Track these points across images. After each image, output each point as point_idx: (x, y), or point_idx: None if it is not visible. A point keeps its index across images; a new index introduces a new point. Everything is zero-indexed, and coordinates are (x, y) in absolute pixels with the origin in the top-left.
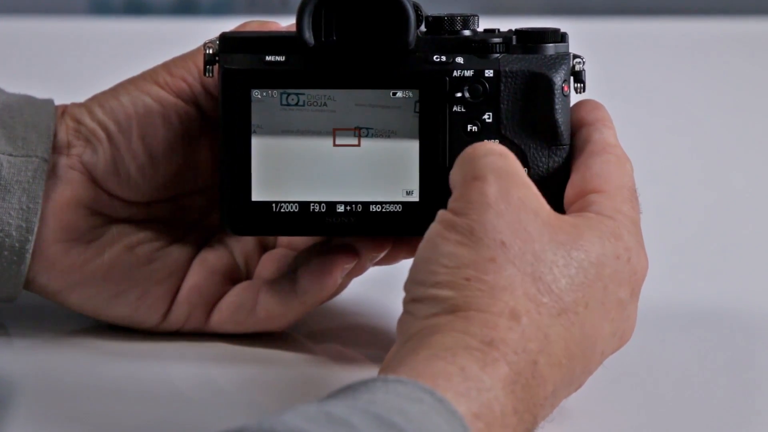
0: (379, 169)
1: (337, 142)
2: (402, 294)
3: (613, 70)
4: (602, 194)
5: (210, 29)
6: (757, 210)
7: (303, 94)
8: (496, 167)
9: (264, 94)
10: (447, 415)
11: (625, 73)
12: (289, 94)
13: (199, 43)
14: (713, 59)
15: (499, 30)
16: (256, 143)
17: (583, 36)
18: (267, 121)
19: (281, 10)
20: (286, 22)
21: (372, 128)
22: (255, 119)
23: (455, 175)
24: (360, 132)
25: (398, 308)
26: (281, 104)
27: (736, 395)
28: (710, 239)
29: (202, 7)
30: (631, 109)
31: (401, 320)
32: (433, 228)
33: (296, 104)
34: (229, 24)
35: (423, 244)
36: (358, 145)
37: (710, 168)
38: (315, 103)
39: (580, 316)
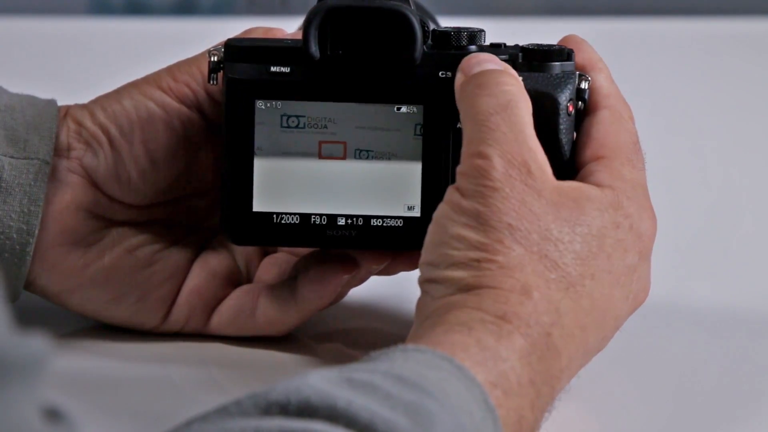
0: (381, 183)
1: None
2: (400, 295)
3: (612, 70)
4: (600, 162)
5: (210, 29)
6: (758, 210)
7: (303, 116)
8: (501, 135)
9: (268, 105)
10: (466, 381)
11: (625, 73)
12: (289, 117)
13: (199, 43)
14: (713, 59)
15: (505, 45)
16: (258, 163)
17: (583, 36)
18: (268, 143)
19: (281, 10)
20: (286, 23)
21: (372, 150)
22: (257, 141)
23: (461, 108)
24: (360, 154)
25: (401, 309)
26: (281, 126)
27: (736, 395)
28: (710, 239)
29: (202, 7)
30: (631, 109)
31: (419, 301)
32: (442, 209)
33: (296, 126)
34: (229, 24)
35: (433, 226)
36: (344, 158)
37: (710, 168)
38: (315, 126)
39: (587, 288)
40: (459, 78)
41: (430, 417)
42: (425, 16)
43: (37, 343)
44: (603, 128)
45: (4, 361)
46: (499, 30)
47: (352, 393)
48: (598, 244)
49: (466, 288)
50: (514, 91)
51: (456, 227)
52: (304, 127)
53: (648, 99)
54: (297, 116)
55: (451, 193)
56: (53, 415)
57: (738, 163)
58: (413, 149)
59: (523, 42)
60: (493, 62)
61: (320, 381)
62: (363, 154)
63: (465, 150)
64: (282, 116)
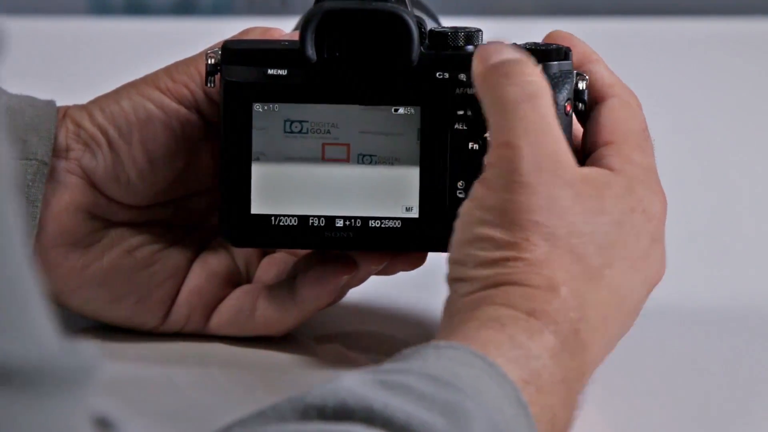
0: (379, 185)
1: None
2: (401, 296)
3: (612, 70)
4: (611, 146)
5: (210, 29)
6: (758, 210)
7: (306, 122)
8: (530, 125)
9: (266, 107)
10: (498, 379)
11: (625, 73)
12: (292, 122)
13: (199, 43)
14: (713, 59)
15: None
16: (256, 166)
17: (583, 36)
18: (270, 149)
19: (281, 10)
20: (286, 23)
21: (375, 155)
22: (257, 147)
23: (485, 97)
24: (363, 159)
25: (403, 311)
26: (284, 131)
27: (739, 394)
28: (710, 240)
29: (202, 7)
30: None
31: (447, 298)
32: (467, 206)
33: (299, 132)
34: (229, 24)
35: (459, 224)
36: (347, 160)
37: (710, 168)
38: (318, 131)
39: (606, 278)
40: (477, 67)
41: (466, 416)
42: (426, 13)
43: (87, 351)
44: (612, 115)
45: (56, 371)
46: (499, 30)
47: (388, 395)
48: (617, 232)
49: (494, 284)
50: (539, 81)
51: (482, 227)
52: (307, 132)
53: (648, 99)
54: (300, 121)
55: (476, 188)
56: (104, 424)
57: (738, 164)
58: (414, 152)
59: (519, 41)
60: (510, 51)
61: (355, 383)
62: (366, 159)
63: (493, 140)
64: (285, 121)
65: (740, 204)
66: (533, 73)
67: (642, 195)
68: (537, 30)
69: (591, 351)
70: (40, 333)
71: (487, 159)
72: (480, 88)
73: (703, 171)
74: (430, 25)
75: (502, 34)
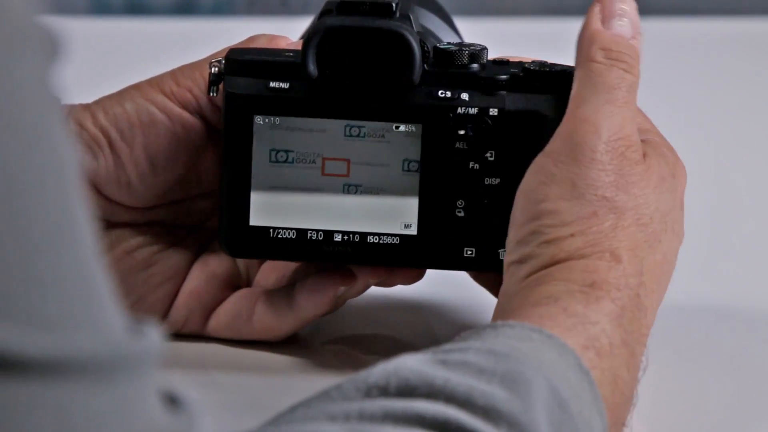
0: (379, 201)
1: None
2: (404, 299)
3: None
4: None
5: (210, 29)
6: (758, 210)
7: (292, 151)
8: (616, 109)
9: (266, 120)
10: (558, 348)
11: None
12: (278, 151)
13: (200, 43)
14: (713, 59)
15: (509, 61)
16: (256, 178)
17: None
18: (258, 176)
19: (281, 10)
20: (286, 23)
21: (361, 185)
22: (255, 156)
23: (584, 62)
24: (350, 189)
25: (406, 313)
26: (270, 161)
27: (738, 392)
28: (710, 240)
29: (202, 7)
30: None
31: (504, 285)
32: (530, 182)
33: (285, 161)
34: (229, 24)
35: (522, 201)
36: (347, 175)
37: (710, 168)
38: (304, 161)
39: (662, 242)
40: (593, 22)
41: (526, 385)
42: (445, 19)
43: (151, 332)
44: None
45: (125, 358)
46: (499, 30)
47: (448, 371)
48: (671, 199)
49: (557, 261)
50: (637, 71)
51: (547, 202)
52: (293, 162)
53: (648, 99)
54: (286, 151)
55: (540, 163)
56: (172, 399)
57: (738, 164)
58: (406, 184)
59: (519, 41)
60: (627, 21)
61: (416, 362)
62: (353, 189)
63: (573, 111)
64: (272, 151)
65: (740, 204)
66: (637, 63)
67: (671, 159)
68: (537, 30)
69: (649, 314)
70: (109, 323)
71: (561, 129)
72: (587, 53)
73: (702, 171)
74: (444, 31)
75: (503, 34)
